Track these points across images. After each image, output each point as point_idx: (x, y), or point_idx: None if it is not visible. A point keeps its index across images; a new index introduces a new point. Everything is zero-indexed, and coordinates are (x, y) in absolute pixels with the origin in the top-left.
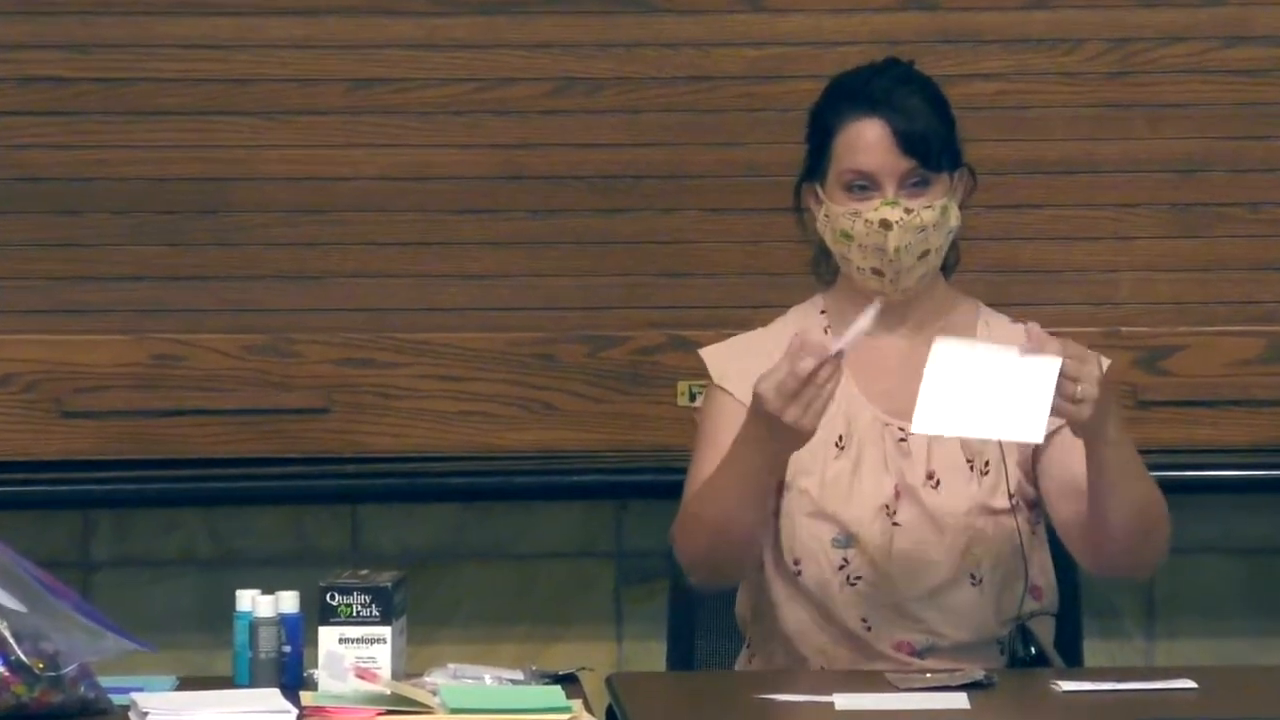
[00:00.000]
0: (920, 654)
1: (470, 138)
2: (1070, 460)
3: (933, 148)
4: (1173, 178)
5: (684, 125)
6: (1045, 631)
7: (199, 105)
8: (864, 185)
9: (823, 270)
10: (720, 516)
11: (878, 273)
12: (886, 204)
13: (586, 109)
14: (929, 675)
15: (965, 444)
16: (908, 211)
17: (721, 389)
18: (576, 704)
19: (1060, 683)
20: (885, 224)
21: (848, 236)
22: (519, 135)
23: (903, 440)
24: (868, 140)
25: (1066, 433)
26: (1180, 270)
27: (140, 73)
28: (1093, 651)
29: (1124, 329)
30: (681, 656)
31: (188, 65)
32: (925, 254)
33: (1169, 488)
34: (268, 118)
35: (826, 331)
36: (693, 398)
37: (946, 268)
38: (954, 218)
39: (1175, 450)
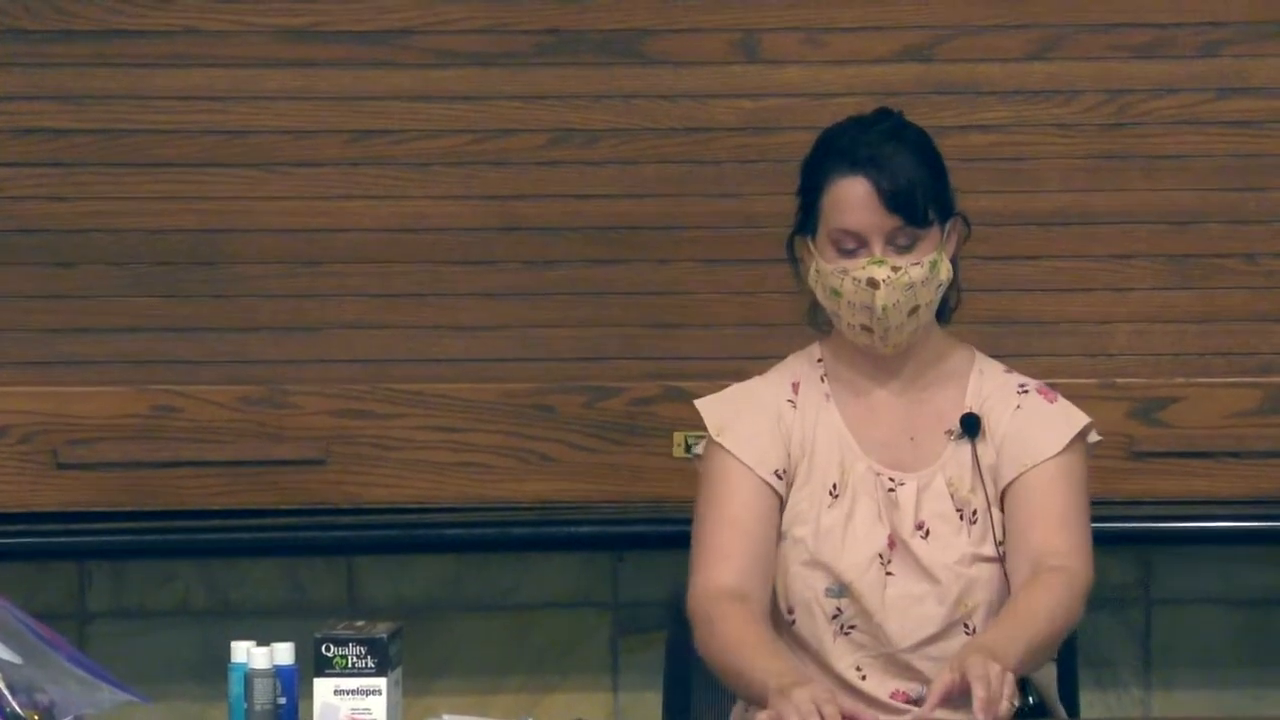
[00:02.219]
0: (916, 703)
1: (467, 189)
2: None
3: (918, 204)
4: (1169, 229)
5: (680, 176)
6: (1048, 677)
7: (195, 157)
8: (851, 244)
9: (819, 319)
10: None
11: (867, 329)
12: (874, 262)
13: (583, 160)
14: None
15: (954, 494)
16: (895, 270)
17: (720, 446)
18: None
19: None
20: (873, 283)
21: (837, 294)
22: (515, 186)
23: (892, 491)
24: (853, 199)
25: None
26: (1177, 321)
27: (137, 124)
28: (1089, 702)
29: (1120, 380)
30: (678, 707)
31: (184, 117)
32: (915, 310)
33: (1165, 539)
34: (264, 169)
35: (823, 380)
36: (688, 448)
37: (944, 313)
38: (944, 271)
39: (1172, 502)
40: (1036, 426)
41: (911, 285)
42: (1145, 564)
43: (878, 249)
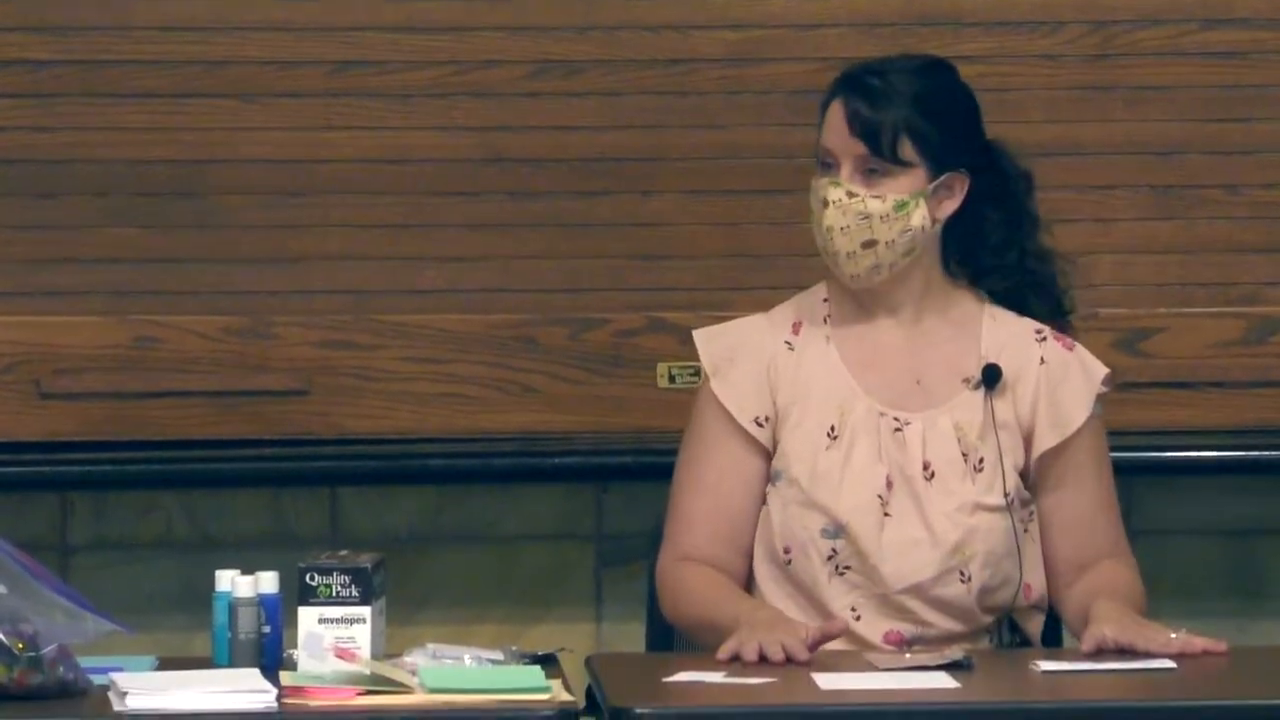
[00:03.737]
0: (910, 643)
1: (449, 120)
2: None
3: (884, 137)
4: (1152, 160)
5: (663, 108)
6: (1035, 625)
7: (177, 88)
8: (828, 164)
9: None
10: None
11: (826, 253)
12: (833, 183)
13: (566, 92)
14: (908, 656)
15: (962, 439)
16: (850, 195)
17: (712, 392)
18: (555, 684)
19: (1040, 663)
20: (824, 202)
21: (811, 214)
22: (498, 118)
23: (898, 430)
24: (831, 120)
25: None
26: (1159, 252)
27: (118, 55)
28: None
29: (1103, 311)
30: (661, 637)
31: (166, 47)
32: (871, 244)
33: (1148, 469)
34: (246, 100)
35: (826, 321)
36: (672, 379)
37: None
38: (917, 218)
39: (1154, 432)
40: (1067, 388)
41: (866, 216)
42: (1128, 494)
43: (844, 173)
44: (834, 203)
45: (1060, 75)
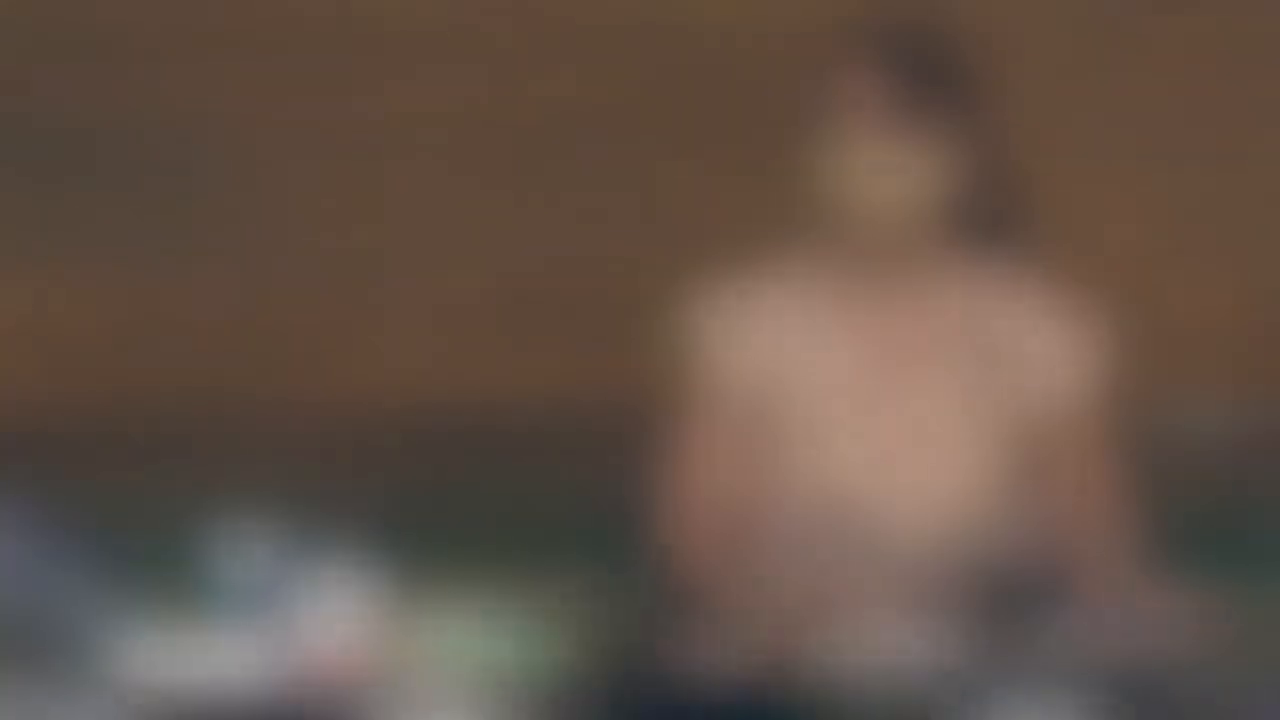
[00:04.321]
0: (912, 614)
1: (457, 82)
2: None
3: (918, 95)
4: (1156, 123)
5: (674, 72)
6: (1037, 596)
7: (179, 49)
8: (855, 122)
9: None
10: None
11: (857, 217)
12: (862, 140)
13: (573, 54)
14: (910, 626)
15: (959, 408)
16: (881, 151)
17: (706, 361)
18: (562, 650)
19: (1043, 632)
20: (851, 159)
21: (825, 174)
22: (507, 80)
23: (888, 400)
24: (861, 78)
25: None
26: (1160, 217)
27: (119, 14)
28: None
29: (1105, 271)
30: (664, 603)
31: (168, 11)
32: (898, 202)
33: (1148, 433)
34: (250, 63)
35: (820, 287)
36: (676, 343)
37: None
38: (942, 177)
39: (1155, 394)
40: (1064, 353)
41: (897, 173)
42: (1127, 458)
43: (874, 130)
44: (864, 160)
45: (1063, 35)
